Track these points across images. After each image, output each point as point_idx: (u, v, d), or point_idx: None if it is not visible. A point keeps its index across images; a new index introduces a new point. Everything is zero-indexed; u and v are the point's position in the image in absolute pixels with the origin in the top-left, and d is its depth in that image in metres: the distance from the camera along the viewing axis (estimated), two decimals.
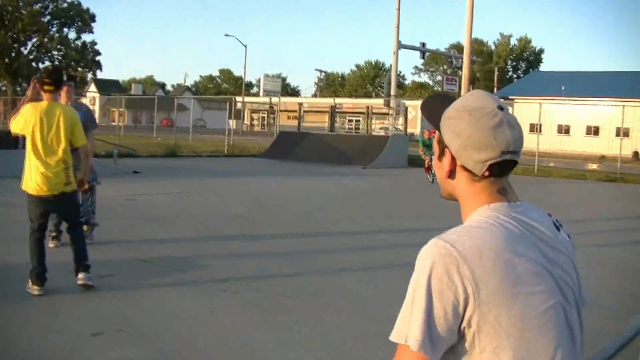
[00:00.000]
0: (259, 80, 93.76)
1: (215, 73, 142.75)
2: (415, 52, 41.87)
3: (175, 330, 5.61)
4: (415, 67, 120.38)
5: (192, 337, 5.43)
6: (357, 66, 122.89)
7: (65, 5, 71.92)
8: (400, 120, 38.92)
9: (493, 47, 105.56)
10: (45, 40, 70.74)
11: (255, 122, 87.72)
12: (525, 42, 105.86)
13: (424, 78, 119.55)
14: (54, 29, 72.31)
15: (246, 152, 33.14)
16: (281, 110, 43.88)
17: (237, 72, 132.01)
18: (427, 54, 47.17)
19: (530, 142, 30.26)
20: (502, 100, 1.62)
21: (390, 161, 27.78)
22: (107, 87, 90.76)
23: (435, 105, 1.74)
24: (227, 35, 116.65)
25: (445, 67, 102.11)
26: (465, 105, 1.62)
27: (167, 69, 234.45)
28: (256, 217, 12.14)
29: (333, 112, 35.98)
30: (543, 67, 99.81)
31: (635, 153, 49.77)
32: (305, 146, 30.34)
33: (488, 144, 1.56)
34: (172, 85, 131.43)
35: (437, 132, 1.70)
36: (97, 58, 77.35)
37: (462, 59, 34.74)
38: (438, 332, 1.46)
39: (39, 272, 6.33)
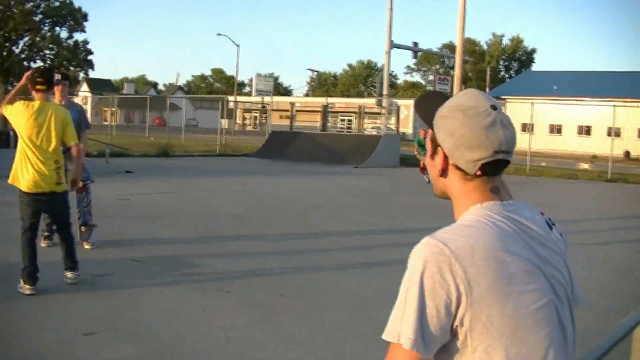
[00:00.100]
0: (251, 80, 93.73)
1: (208, 72, 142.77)
2: (407, 52, 41.88)
3: (172, 330, 5.61)
4: (408, 66, 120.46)
5: (189, 337, 5.42)
6: (350, 66, 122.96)
7: (57, 4, 71.59)
8: (393, 119, 38.97)
9: (485, 47, 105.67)
10: (37, 39, 70.39)
11: (248, 122, 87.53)
12: (517, 41, 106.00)
13: (417, 78, 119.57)
14: (46, 28, 71.93)
15: (238, 151, 33.12)
16: (273, 110, 43.83)
17: (230, 71, 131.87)
18: (419, 53, 47.17)
19: (522, 141, 30.21)
20: (495, 99, 1.62)
21: (383, 161, 27.80)
22: (99, 87, 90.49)
23: (429, 103, 1.74)
24: (219, 34, 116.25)
25: (437, 66, 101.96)
26: (459, 104, 1.62)
27: (160, 68, 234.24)
28: (252, 216, 12.13)
29: (325, 111, 35.97)
30: (535, 67, 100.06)
31: (627, 153, 49.95)
32: (298, 146, 30.33)
33: (481, 143, 1.57)
34: (165, 85, 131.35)
35: (430, 130, 1.71)
36: (89, 57, 77.00)
37: (454, 58, 34.77)
38: (430, 330, 1.46)
39: (31, 271, 6.34)
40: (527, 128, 33.54)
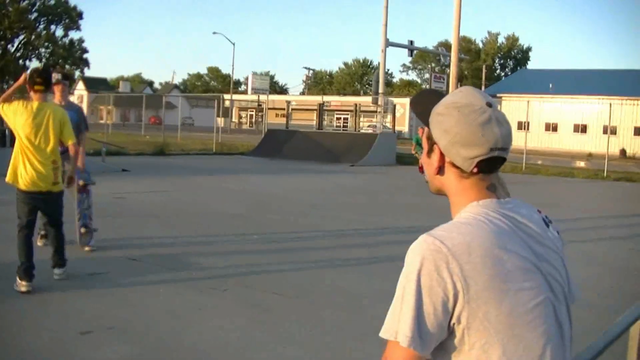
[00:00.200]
0: (247, 78, 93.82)
1: (204, 71, 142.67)
2: (403, 50, 42.00)
3: (170, 329, 5.60)
4: (403, 65, 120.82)
5: (188, 336, 5.41)
6: (345, 64, 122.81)
7: (52, 2, 71.47)
8: (389, 118, 39.03)
9: (481, 45, 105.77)
10: (33, 37, 70.27)
11: (244, 120, 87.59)
12: (513, 40, 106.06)
13: (412, 76, 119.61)
14: (41, 27, 71.85)
15: (234, 150, 33.12)
16: (269, 108, 43.82)
17: (225, 70, 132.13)
18: (415, 51, 47.26)
19: (518, 139, 30.19)
20: (491, 97, 1.62)
21: (379, 159, 27.80)
22: (95, 85, 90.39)
23: (425, 101, 1.75)
24: (215, 33, 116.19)
25: (433, 64, 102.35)
26: (454, 101, 1.62)
27: (156, 66, 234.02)
28: (249, 214, 12.12)
29: (321, 110, 35.96)
30: (531, 65, 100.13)
31: (623, 150, 50.05)
32: (294, 144, 30.33)
33: (476, 141, 1.57)
34: (160, 83, 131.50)
35: (426, 128, 1.71)
36: (85, 56, 77.01)
37: (450, 56, 34.81)
38: (428, 328, 1.46)
39: (27, 267, 6.38)
40: (522, 126, 33.57)
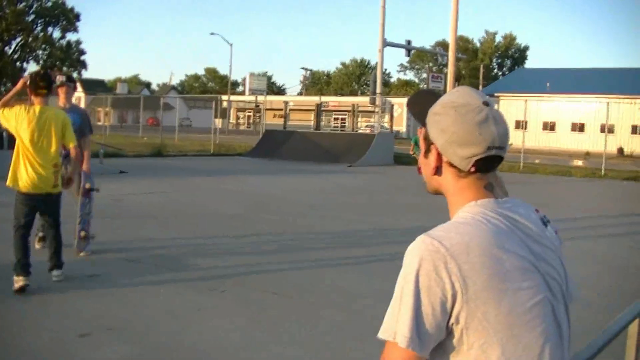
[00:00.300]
0: (244, 79, 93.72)
1: (201, 72, 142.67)
2: (400, 50, 41.98)
3: (169, 329, 5.60)
4: (401, 64, 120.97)
5: (188, 336, 5.40)
6: (343, 64, 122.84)
7: (49, 4, 71.42)
8: (386, 118, 39.01)
9: (478, 45, 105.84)
10: (30, 39, 70.21)
11: (241, 121, 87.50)
12: (510, 39, 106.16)
13: (410, 76, 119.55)
14: (39, 28, 71.79)
15: (232, 150, 33.10)
16: (267, 109, 43.80)
17: (223, 70, 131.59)
18: (412, 51, 47.23)
19: (515, 138, 30.38)
20: (487, 96, 1.62)
21: (377, 159, 27.82)
22: (93, 87, 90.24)
23: (422, 101, 1.75)
24: (212, 33, 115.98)
25: (430, 64, 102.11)
26: (451, 101, 1.62)
27: (153, 68, 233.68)
28: (248, 215, 12.12)
29: (319, 110, 35.97)
30: (528, 64, 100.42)
31: (620, 149, 50.10)
32: (291, 145, 30.34)
33: (473, 140, 1.57)
34: (158, 85, 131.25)
35: (423, 128, 1.71)
36: (82, 57, 76.98)
37: (447, 56, 34.80)
38: (426, 328, 1.46)
39: (24, 263, 6.41)
40: (520, 125, 33.58)
